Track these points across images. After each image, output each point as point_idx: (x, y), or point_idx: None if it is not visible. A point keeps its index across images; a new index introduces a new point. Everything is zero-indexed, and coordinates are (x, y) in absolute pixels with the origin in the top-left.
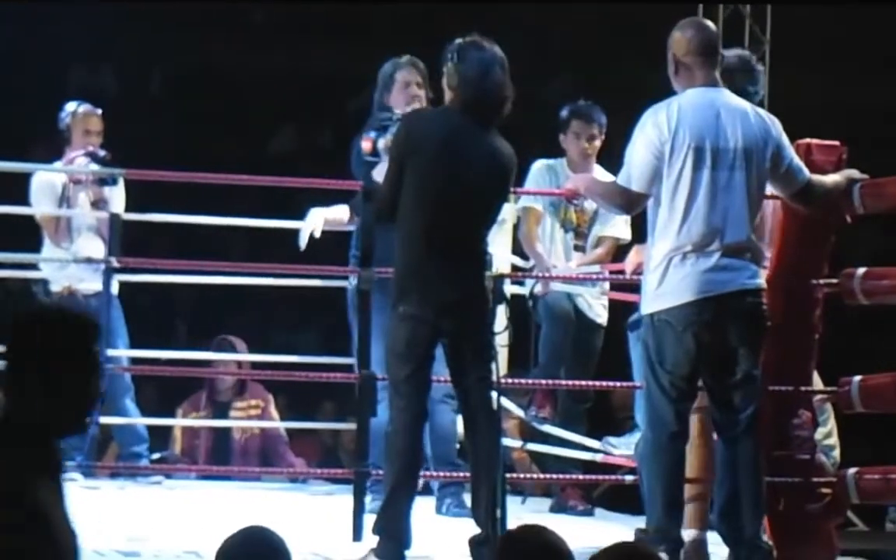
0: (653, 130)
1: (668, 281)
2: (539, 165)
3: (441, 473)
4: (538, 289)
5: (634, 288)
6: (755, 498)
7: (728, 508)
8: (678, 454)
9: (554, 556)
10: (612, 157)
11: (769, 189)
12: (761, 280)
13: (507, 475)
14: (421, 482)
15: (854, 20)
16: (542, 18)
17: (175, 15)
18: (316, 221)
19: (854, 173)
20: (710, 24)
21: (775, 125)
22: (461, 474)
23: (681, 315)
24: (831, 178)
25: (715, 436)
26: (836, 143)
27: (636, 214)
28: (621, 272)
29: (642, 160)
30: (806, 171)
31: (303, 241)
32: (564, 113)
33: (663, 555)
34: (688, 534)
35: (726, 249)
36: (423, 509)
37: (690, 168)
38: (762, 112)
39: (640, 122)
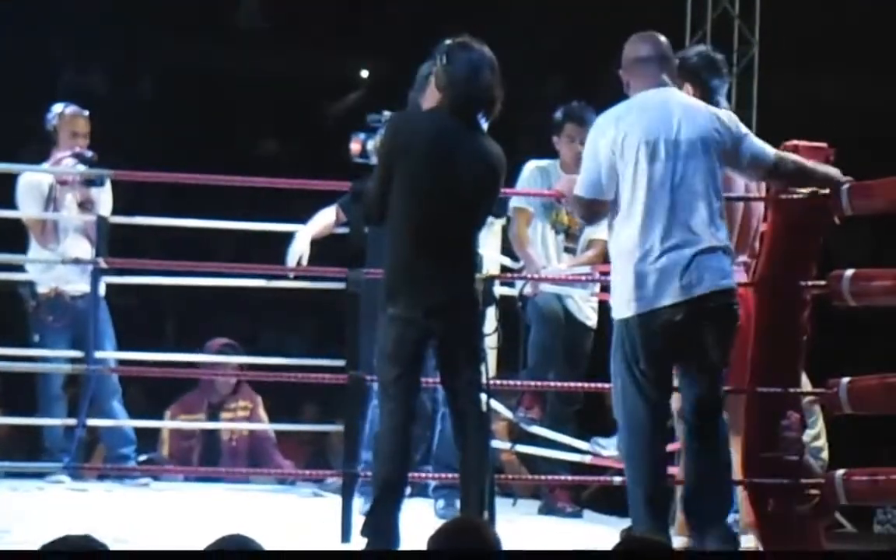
0: (601, 135)
1: (638, 284)
2: (531, 167)
3: (435, 475)
4: (528, 290)
5: None
6: (719, 484)
7: (692, 495)
8: (658, 454)
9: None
10: None
11: (753, 190)
12: (732, 280)
13: (496, 477)
14: (419, 485)
15: (842, 21)
16: (535, 18)
17: (164, 17)
18: (303, 246)
19: (838, 175)
20: (660, 36)
21: (731, 118)
22: (451, 476)
23: (654, 318)
24: (812, 163)
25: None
26: (823, 144)
27: None
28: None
29: (592, 167)
30: (771, 150)
31: (291, 264)
32: (558, 115)
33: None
34: (679, 541)
35: (693, 243)
36: (419, 511)
37: (645, 162)
38: (715, 109)
39: (591, 129)
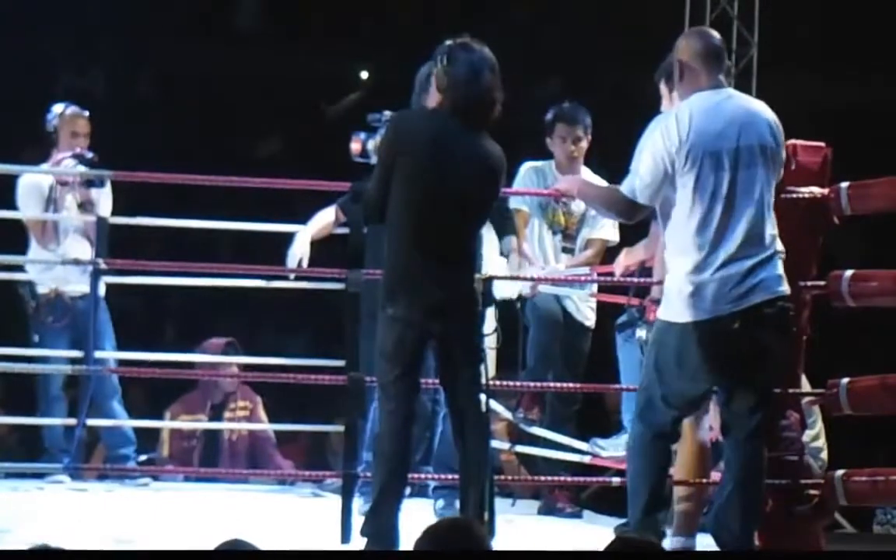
0: (662, 139)
1: (699, 292)
2: (527, 167)
3: (435, 475)
4: (526, 291)
5: (622, 290)
6: (750, 503)
7: (722, 510)
8: (666, 455)
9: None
10: (602, 158)
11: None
12: (786, 285)
13: (496, 477)
14: (419, 486)
15: (841, 21)
16: (534, 19)
17: (164, 17)
18: (303, 248)
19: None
20: (715, 33)
21: (780, 127)
22: (450, 477)
23: (714, 327)
24: None
25: (718, 436)
26: (821, 144)
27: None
28: (610, 274)
29: (650, 171)
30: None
31: (291, 265)
32: (549, 116)
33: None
34: (676, 541)
35: (753, 255)
36: (419, 511)
37: (708, 171)
38: (770, 112)
39: (648, 131)
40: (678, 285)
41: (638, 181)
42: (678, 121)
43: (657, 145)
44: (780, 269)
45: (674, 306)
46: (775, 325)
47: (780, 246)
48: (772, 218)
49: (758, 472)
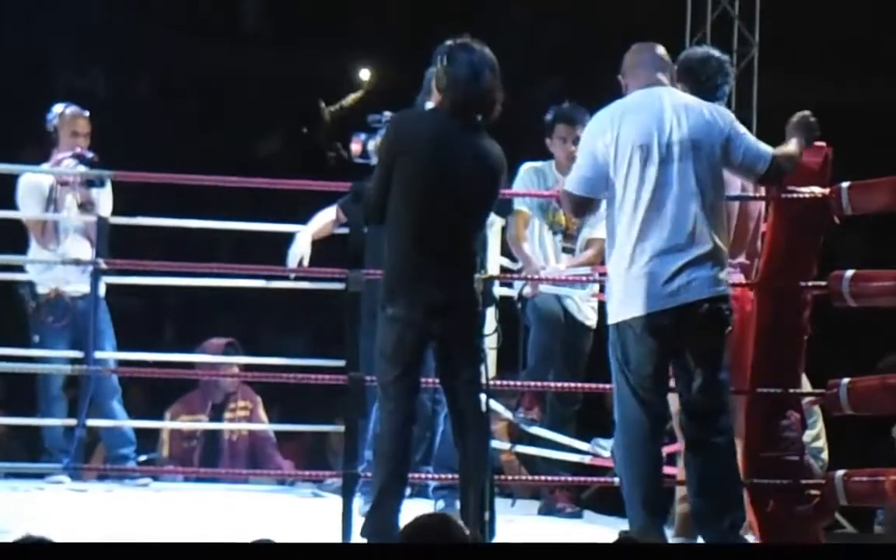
0: (596, 135)
1: (628, 290)
2: (527, 167)
3: (434, 476)
4: (527, 291)
5: None
6: (728, 504)
7: (704, 515)
8: (654, 455)
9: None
10: None
11: (750, 190)
12: (723, 287)
13: (496, 477)
14: (419, 486)
15: (842, 21)
16: (535, 19)
17: (164, 17)
18: (304, 248)
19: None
20: (658, 45)
21: (724, 117)
22: (450, 477)
23: (642, 323)
24: (792, 143)
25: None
26: (822, 143)
27: None
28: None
29: (584, 164)
30: (767, 150)
31: (291, 265)
32: (549, 116)
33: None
34: (678, 542)
35: (684, 252)
36: (419, 511)
37: (639, 165)
38: (711, 106)
39: (586, 127)
40: (613, 283)
41: (576, 174)
42: (611, 114)
43: (591, 139)
44: (714, 269)
45: (612, 305)
46: (704, 326)
47: (720, 243)
48: (715, 215)
49: (725, 476)
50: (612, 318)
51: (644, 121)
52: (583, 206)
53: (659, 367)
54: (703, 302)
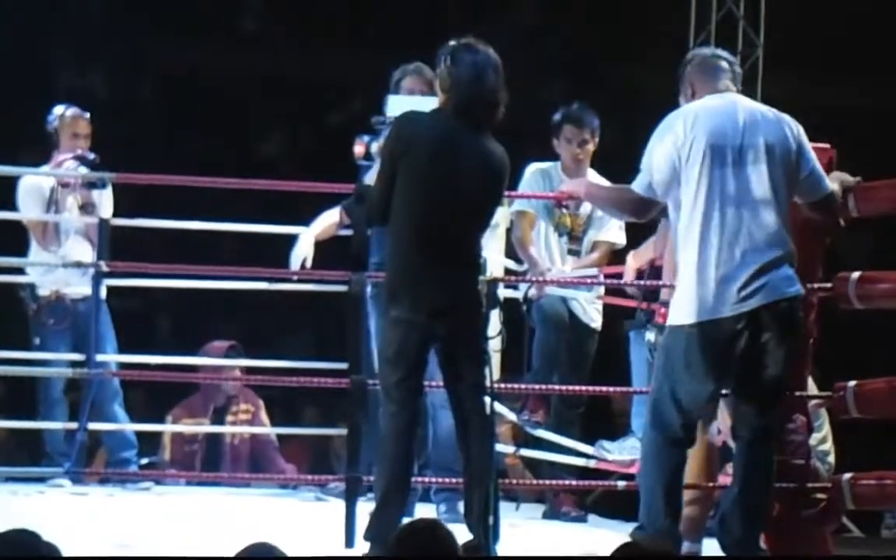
0: (669, 135)
1: (702, 293)
2: (532, 169)
3: (436, 479)
4: (532, 292)
5: (624, 293)
6: (755, 508)
7: (727, 514)
8: (680, 461)
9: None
10: (607, 159)
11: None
12: (798, 286)
13: (500, 481)
14: (421, 488)
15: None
16: (539, 20)
17: (165, 18)
18: (307, 249)
19: (847, 179)
20: (720, 50)
21: (797, 127)
22: (453, 480)
23: (717, 328)
24: (835, 184)
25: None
26: (827, 145)
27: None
28: (617, 276)
29: (658, 166)
30: (828, 181)
31: (294, 267)
32: (557, 117)
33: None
34: (682, 545)
35: (759, 255)
36: (423, 515)
37: (711, 167)
38: (781, 114)
39: (657, 129)
40: (683, 286)
41: (650, 177)
42: (684, 117)
43: (665, 141)
44: (790, 271)
45: (679, 308)
46: (780, 327)
47: (790, 248)
48: (784, 218)
49: (764, 477)
50: (678, 320)
51: (718, 124)
52: (648, 209)
53: (720, 373)
54: (781, 302)
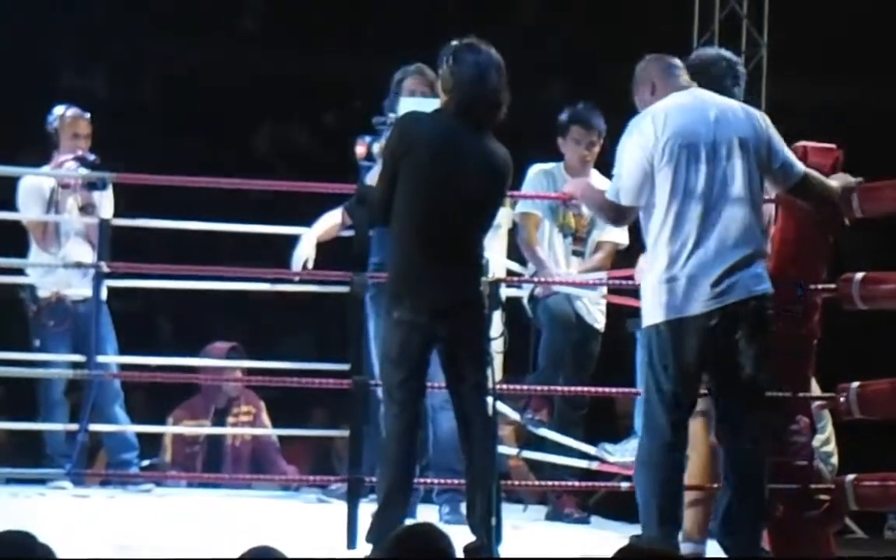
0: (638, 138)
1: (672, 290)
2: (536, 170)
3: (438, 480)
4: (539, 291)
5: (635, 293)
6: (752, 509)
7: (727, 519)
8: (675, 465)
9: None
10: (607, 160)
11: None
12: (767, 284)
13: (503, 482)
14: (423, 490)
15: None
16: (541, 20)
17: (166, 19)
18: (308, 250)
19: (849, 180)
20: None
21: (765, 119)
22: (456, 481)
23: (687, 325)
24: (830, 181)
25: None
26: (832, 146)
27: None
28: (628, 278)
29: (629, 172)
30: (800, 165)
31: (296, 268)
32: (564, 117)
33: None
34: (685, 547)
35: (731, 252)
36: (425, 517)
37: (686, 166)
38: (748, 107)
39: (626, 133)
40: (652, 285)
41: (621, 182)
42: (653, 117)
43: (634, 145)
44: (760, 268)
45: (650, 308)
46: (749, 325)
47: (763, 245)
48: (757, 214)
49: (756, 476)
50: (649, 320)
51: (689, 121)
52: (624, 215)
53: (696, 373)
54: (750, 299)
